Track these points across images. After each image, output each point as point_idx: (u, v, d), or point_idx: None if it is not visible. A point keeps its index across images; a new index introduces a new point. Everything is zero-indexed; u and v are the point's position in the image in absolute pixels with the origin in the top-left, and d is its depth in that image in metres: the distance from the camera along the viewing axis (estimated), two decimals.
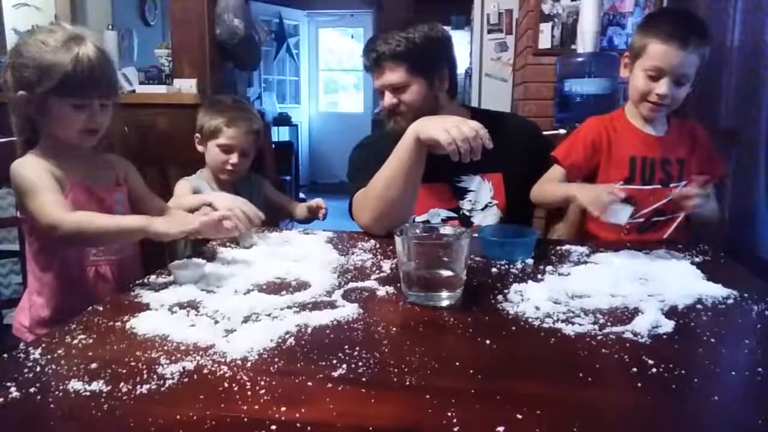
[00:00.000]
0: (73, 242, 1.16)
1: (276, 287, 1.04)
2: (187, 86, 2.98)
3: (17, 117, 1.24)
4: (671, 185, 1.43)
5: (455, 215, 1.57)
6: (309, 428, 0.59)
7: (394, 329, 0.86)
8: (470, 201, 1.57)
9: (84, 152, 1.28)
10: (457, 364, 0.73)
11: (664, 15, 1.63)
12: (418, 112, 1.45)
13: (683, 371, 0.71)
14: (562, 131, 1.87)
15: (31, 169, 1.18)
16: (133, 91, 3.07)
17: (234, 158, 1.80)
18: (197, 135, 1.85)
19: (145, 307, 0.94)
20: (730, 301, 0.97)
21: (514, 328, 0.86)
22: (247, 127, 1.82)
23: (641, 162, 1.44)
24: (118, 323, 0.86)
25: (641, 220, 1.40)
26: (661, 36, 1.35)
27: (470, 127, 1.25)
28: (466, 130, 1.24)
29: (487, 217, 1.56)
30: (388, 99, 1.50)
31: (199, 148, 1.86)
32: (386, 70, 1.48)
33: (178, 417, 0.60)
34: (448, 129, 1.25)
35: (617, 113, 1.54)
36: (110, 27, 3.59)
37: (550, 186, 1.49)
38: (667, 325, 0.85)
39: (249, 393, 0.66)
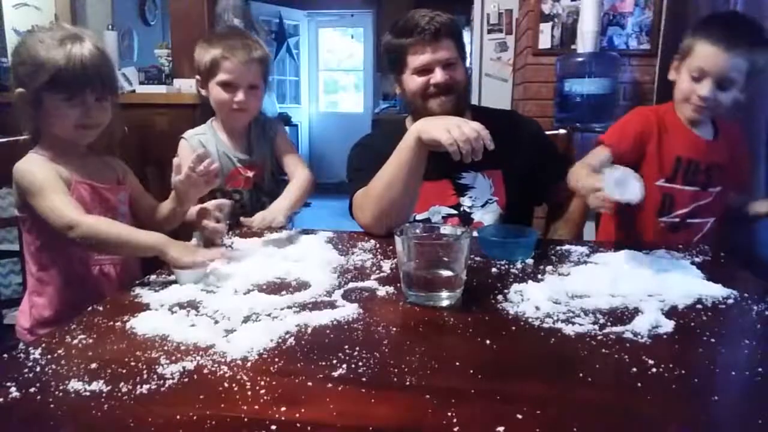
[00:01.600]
0: (84, 245, 1.16)
1: (276, 287, 1.04)
2: (187, 86, 2.98)
3: (20, 114, 1.25)
4: (710, 189, 1.44)
5: (456, 212, 1.57)
6: (309, 428, 0.59)
7: (394, 329, 0.86)
8: (470, 198, 1.57)
9: (83, 152, 1.28)
10: (457, 364, 0.73)
11: (716, 17, 1.58)
12: (463, 94, 1.50)
13: (683, 371, 0.71)
14: (562, 131, 1.87)
15: (39, 168, 1.19)
16: (133, 91, 3.07)
17: (240, 95, 1.54)
18: (197, 77, 1.62)
19: (145, 307, 0.94)
20: (730, 301, 0.97)
21: (514, 328, 0.86)
22: (246, 55, 1.54)
23: (687, 163, 1.43)
24: (118, 323, 0.86)
25: (677, 219, 1.40)
26: (708, 37, 1.32)
27: (472, 127, 1.25)
28: (468, 130, 1.24)
29: (487, 214, 1.56)
30: (441, 75, 1.48)
31: (203, 92, 1.62)
32: (443, 45, 1.47)
33: (178, 417, 0.61)
34: (449, 129, 1.25)
35: (667, 107, 1.50)
36: (110, 27, 3.59)
37: (582, 170, 1.30)
38: (667, 325, 0.85)
39: (249, 393, 0.66)
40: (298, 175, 1.60)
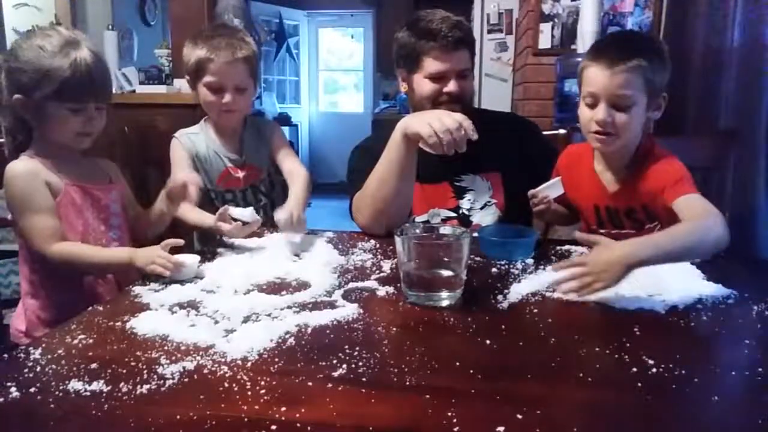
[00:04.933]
0: (60, 269, 1.19)
1: (276, 287, 1.04)
2: (187, 86, 2.98)
3: (9, 120, 1.24)
4: (647, 227, 1.31)
5: (455, 215, 1.57)
6: (309, 428, 0.59)
7: (394, 329, 0.86)
8: (469, 200, 1.57)
9: (75, 155, 1.28)
10: (457, 364, 0.73)
11: (604, 39, 1.41)
12: (471, 103, 1.51)
13: (683, 371, 0.71)
14: (562, 131, 1.87)
15: (25, 180, 1.18)
16: (133, 91, 3.08)
17: (227, 97, 1.50)
18: (187, 77, 1.59)
19: (145, 307, 0.94)
20: (730, 301, 0.97)
21: (514, 328, 0.86)
22: (231, 56, 1.48)
23: (605, 210, 1.34)
24: (118, 323, 0.86)
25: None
26: (593, 59, 1.23)
27: (453, 119, 1.24)
28: (448, 121, 1.24)
29: (486, 216, 1.56)
30: (454, 85, 1.48)
31: (194, 93, 1.59)
32: (461, 54, 1.48)
33: (178, 417, 0.61)
34: (429, 122, 1.25)
35: (589, 148, 1.36)
36: (110, 27, 3.59)
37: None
38: (667, 325, 0.85)
39: (249, 393, 0.66)
40: (299, 174, 1.56)
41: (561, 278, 0.97)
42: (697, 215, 1.09)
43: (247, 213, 1.29)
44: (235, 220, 1.29)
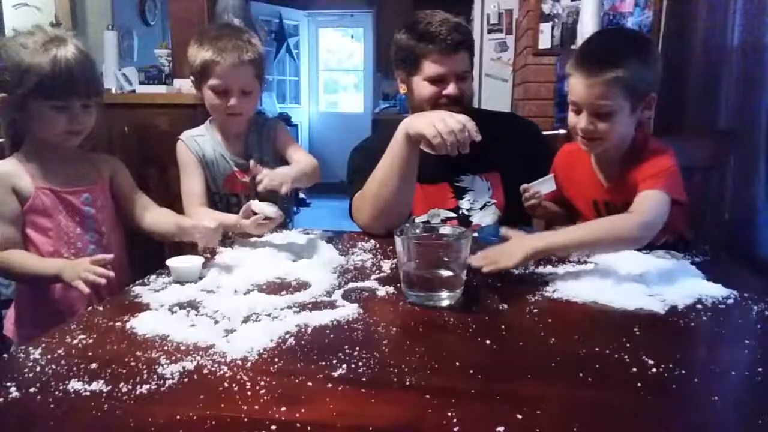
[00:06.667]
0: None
1: (276, 287, 1.04)
2: (187, 86, 2.96)
3: (3, 119, 1.25)
4: None
5: (454, 215, 1.57)
6: (309, 428, 0.59)
7: (394, 329, 0.86)
8: (469, 200, 1.57)
9: (68, 152, 1.27)
10: (457, 364, 0.73)
11: (586, 43, 1.36)
12: (470, 103, 1.51)
13: (683, 371, 0.71)
14: (562, 131, 1.87)
15: None
16: (133, 91, 3.07)
17: (232, 100, 1.47)
18: (191, 78, 1.55)
19: (145, 307, 0.94)
20: (730, 301, 0.97)
21: (514, 328, 0.86)
22: (237, 58, 1.44)
23: (604, 204, 1.35)
24: (118, 323, 0.86)
25: None
26: (573, 67, 1.22)
27: (457, 120, 1.25)
28: (453, 123, 1.24)
29: (486, 217, 1.56)
30: (454, 88, 1.47)
31: (198, 94, 1.55)
32: (460, 57, 1.47)
33: (178, 417, 0.61)
34: (434, 123, 1.25)
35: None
36: (110, 27, 3.58)
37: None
38: (667, 325, 0.85)
39: (249, 393, 0.66)
40: (303, 161, 1.53)
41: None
42: (633, 211, 1.15)
43: (269, 208, 1.28)
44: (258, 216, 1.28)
